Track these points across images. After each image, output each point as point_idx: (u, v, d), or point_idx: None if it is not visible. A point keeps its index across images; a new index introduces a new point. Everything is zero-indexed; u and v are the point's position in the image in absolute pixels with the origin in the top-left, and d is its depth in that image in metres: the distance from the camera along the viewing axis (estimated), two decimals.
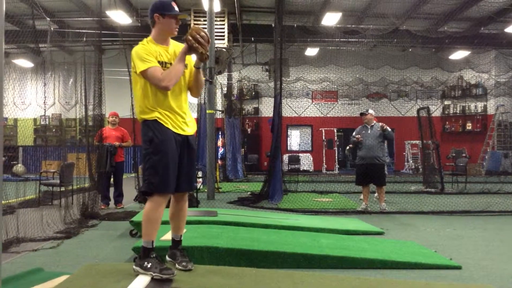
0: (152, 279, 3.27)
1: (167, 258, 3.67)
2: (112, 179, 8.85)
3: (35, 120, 20.09)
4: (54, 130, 20.43)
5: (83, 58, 9.20)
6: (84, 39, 12.84)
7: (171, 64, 3.41)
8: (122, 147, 8.78)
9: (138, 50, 3.36)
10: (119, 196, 8.72)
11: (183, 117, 3.48)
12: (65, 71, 18.87)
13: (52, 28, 14.11)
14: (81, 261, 4.55)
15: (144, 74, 3.30)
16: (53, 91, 19.14)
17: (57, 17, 15.09)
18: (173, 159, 3.36)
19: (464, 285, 3.85)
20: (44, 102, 17.13)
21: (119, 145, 8.65)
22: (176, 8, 3.48)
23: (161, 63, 3.38)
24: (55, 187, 9.03)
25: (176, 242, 3.70)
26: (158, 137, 3.33)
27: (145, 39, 3.50)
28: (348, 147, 9.29)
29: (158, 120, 3.36)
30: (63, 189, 8.68)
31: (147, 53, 3.33)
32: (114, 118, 8.88)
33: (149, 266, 3.31)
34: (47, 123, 19.90)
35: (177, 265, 3.55)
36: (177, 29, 3.53)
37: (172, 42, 3.59)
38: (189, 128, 3.53)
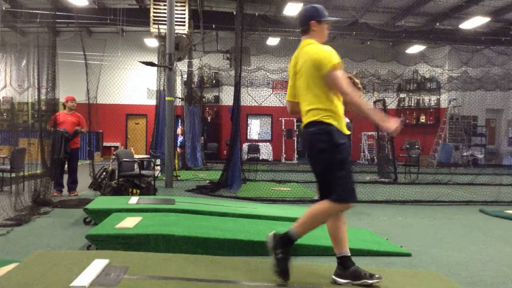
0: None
1: (343, 280, 3.31)
2: (66, 166, 8.63)
3: None
4: (5, 114, 19.63)
5: (37, 40, 8.83)
6: (38, 20, 12.32)
7: None
8: (80, 132, 8.60)
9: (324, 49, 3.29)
10: (73, 183, 8.52)
11: None
12: (17, 52, 18.11)
13: (3, 8, 13.53)
14: (32, 249, 4.43)
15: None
16: (4, 73, 18.37)
17: None
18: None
19: (413, 272, 4.01)
20: None
21: (78, 131, 8.48)
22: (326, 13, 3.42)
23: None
24: (5, 173, 8.72)
25: (350, 259, 3.41)
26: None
27: (314, 42, 3.40)
28: None
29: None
30: (14, 175, 8.38)
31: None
32: (73, 103, 8.68)
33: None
34: None
35: (370, 281, 3.27)
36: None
37: None
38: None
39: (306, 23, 3.41)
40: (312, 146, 3.31)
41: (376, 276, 3.30)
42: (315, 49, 3.30)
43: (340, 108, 3.30)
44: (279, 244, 3.27)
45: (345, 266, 3.32)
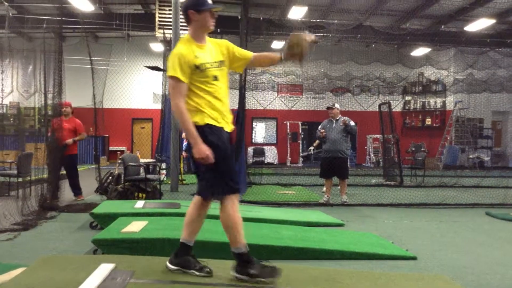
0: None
1: (173, 267, 3.41)
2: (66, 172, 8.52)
3: None
4: (11, 119, 19.76)
5: (43, 46, 8.90)
6: (44, 25, 12.44)
7: (209, 64, 3.30)
8: (75, 142, 8.41)
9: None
10: (75, 189, 8.43)
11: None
12: (24, 58, 18.26)
13: (10, 14, 13.64)
14: (39, 253, 4.45)
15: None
16: (11, 79, 18.51)
17: (16, 2, 14.58)
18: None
19: (418, 275, 4.00)
20: (2, 90, 16.54)
21: (74, 141, 8.34)
22: (210, 1, 3.32)
23: (197, 66, 3.24)
24: (12, 178, 8.77)
25: (190, 249, 3.46)
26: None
27: (185, 37, 3.38)
28: (311, 148, 9.57)
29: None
30: (20, 179, 8.43)
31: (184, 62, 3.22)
32: (65, 109, 8.30)
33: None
34: (4, 111, 19.23)
35: (197, 273, 3.35)
36: (213, 24, 3.37)
37: (208, 39, 3.45)
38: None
39: (185, 13, 3.34)
40: None
41: (206, 270, 3.36)
42: (172, 51, 3.35)
43: (214, 103, 3.30)
44: (244, 267, 3.30)
45: (180, 253, 3.41)
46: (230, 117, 3.46)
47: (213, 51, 3.40)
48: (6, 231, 5.48)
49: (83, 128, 8.66)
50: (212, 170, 3.25)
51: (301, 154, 8.65)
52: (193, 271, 3.35)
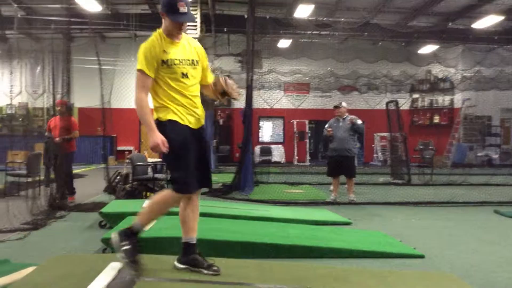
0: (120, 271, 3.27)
1: (181, 265, 3.45)
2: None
3: (0, 109, 19.54)
4: (20, 119, 19.89)
5: (51, 46, 8.95)
6: (52, 26, 12.51)
7: (178, 60, 3.29)
8: (65, 140, 8.08)
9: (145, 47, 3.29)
10: (68, 188, 8.08)
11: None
12: (32, 59, 18.35)
13: (19, 15, 13.74)
14: (49, 252, 4.50)
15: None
16: (20, 79, 18.63)
17: (24, 3, 14.69)
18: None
19: (426, 273, 3.99)
20: (10, 91, 16.69)
21: (63, 139, 8.03)
22: (183, 9, 3.25)
23: (164, 61, 3.24)
24: (21, 178, 8.83)
25: (193, 246, 3.48)
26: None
27: (157, 32, 3.38)
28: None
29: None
30: (30, 179, 8.48)
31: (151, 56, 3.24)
32: (59, 108, 8.11)
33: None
34: (13, 112, 19.37)
35: (205, 272, 3.37)
36: (180, 32, 3.35)
37: (184, 36, 3.43)
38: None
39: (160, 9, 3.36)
40: None
41: (214, 268, 3.38)
42: (141, 45, 3.35)
43: (181, 100, 3.30)
44: (124, 237, 3.31)
45: (186, 252, 3.42)
46: (202, 114, 3.47)
47: (187, 49, 3.38)
48: (16, 231, 5.54)
49: (77, 126, 8.48)
50: (170, 165, 3.36)
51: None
52: (201, 269, 3.37)
